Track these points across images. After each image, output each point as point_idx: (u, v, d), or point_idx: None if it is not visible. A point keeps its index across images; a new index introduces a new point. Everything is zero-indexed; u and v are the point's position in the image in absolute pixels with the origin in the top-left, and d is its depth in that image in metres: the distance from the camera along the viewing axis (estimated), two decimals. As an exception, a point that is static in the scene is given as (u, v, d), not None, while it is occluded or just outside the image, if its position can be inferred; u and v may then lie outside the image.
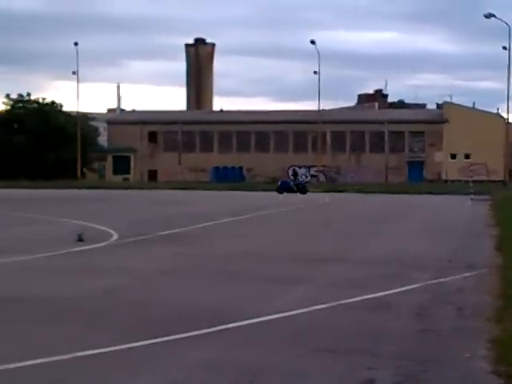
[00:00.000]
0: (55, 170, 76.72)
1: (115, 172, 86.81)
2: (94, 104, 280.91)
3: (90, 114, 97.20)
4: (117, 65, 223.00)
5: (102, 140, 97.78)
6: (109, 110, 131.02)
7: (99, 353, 7.37)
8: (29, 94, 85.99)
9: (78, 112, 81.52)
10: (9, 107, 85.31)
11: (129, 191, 54.83)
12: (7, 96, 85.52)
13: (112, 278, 12.26)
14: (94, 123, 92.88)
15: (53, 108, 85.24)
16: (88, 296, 10.58)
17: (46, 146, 78.86)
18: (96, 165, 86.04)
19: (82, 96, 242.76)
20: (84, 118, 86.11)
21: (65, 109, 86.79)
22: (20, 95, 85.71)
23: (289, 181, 56.63)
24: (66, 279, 12.20)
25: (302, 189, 52.81)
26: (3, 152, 78.85)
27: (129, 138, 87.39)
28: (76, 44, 78.93)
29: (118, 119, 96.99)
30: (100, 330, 8.44)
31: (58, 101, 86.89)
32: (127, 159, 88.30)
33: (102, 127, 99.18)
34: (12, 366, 6.85)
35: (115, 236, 19.10)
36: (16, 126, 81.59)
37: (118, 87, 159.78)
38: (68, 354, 7.25)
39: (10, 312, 9.52)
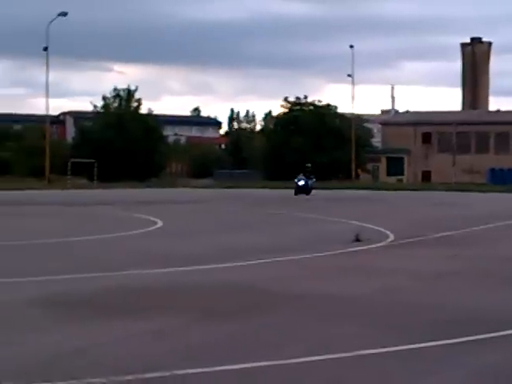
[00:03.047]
0: (330, 171, 78.08)
1: (389, 173, 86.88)
2: (367, 106, 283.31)
3: (364, 115, 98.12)
4: (391, 66, 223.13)
5: (376, 141, 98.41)
6: (382, 112, 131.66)
7: (379, 352, 7.33)
8: (305, 97, 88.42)
9: (352, 114, 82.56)
10: (287, 110, 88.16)
11: (404, 192, 54.74)
12: (285, 99, 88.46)
13: (390, 278, 12.25)
14: (367, 125, 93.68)
15: (328, 110, 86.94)
16: (367, 295, 10.64)
17: (321, 147, 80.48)
18: (370, 166, 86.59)
19: (356, 98, 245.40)
20: (358, 120, 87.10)
21: (339, 111, 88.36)
22: (297, 98, 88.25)
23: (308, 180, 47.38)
24: (345, 278, 12.37)
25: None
26: (281, 153, 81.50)
27: (402, 139, 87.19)
28: (351, 47, 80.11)
29: (392, 120, 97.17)
30: (379, 329, 8.44)
31: (332, 103, 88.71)
32: (401, 160, 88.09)
33: (375, 128, 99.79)
34: (295, 360, 7.01)
35: (391, 237, 19.10)
36: (293, 127, 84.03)
37: (392, 88, 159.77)
38: (348, 353, 7.27)
39: (294, 308, 9.76)
